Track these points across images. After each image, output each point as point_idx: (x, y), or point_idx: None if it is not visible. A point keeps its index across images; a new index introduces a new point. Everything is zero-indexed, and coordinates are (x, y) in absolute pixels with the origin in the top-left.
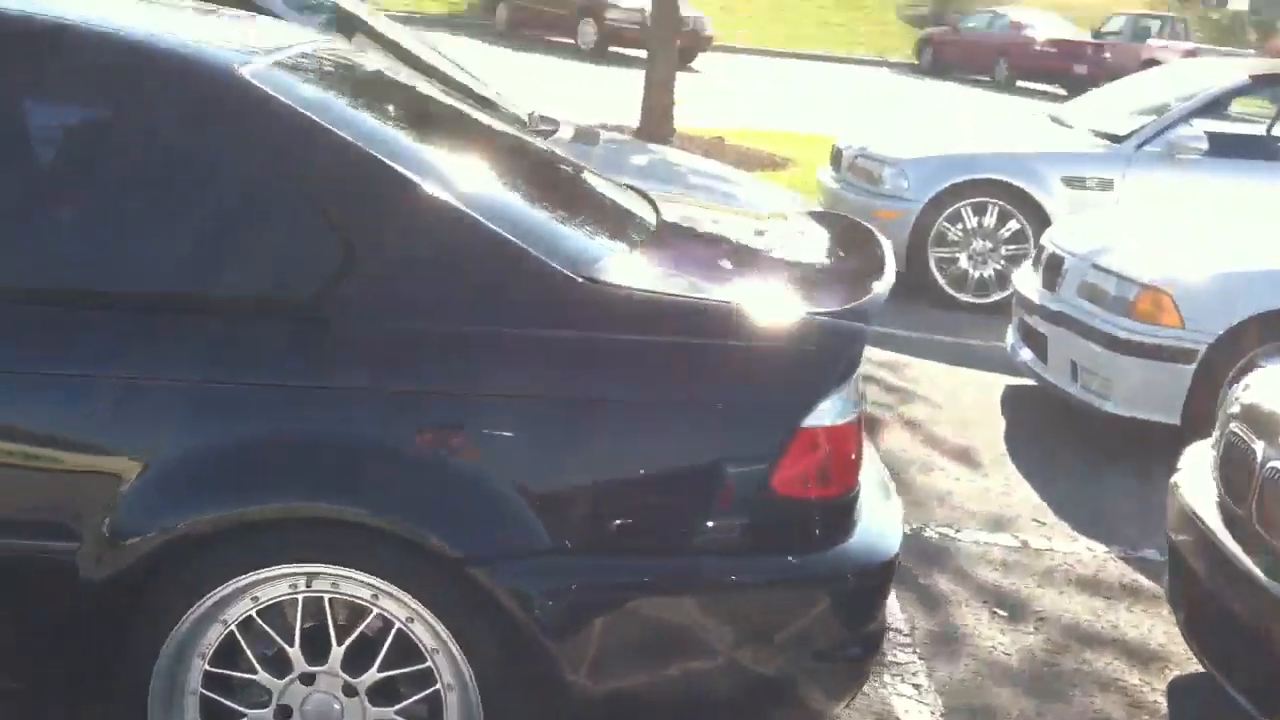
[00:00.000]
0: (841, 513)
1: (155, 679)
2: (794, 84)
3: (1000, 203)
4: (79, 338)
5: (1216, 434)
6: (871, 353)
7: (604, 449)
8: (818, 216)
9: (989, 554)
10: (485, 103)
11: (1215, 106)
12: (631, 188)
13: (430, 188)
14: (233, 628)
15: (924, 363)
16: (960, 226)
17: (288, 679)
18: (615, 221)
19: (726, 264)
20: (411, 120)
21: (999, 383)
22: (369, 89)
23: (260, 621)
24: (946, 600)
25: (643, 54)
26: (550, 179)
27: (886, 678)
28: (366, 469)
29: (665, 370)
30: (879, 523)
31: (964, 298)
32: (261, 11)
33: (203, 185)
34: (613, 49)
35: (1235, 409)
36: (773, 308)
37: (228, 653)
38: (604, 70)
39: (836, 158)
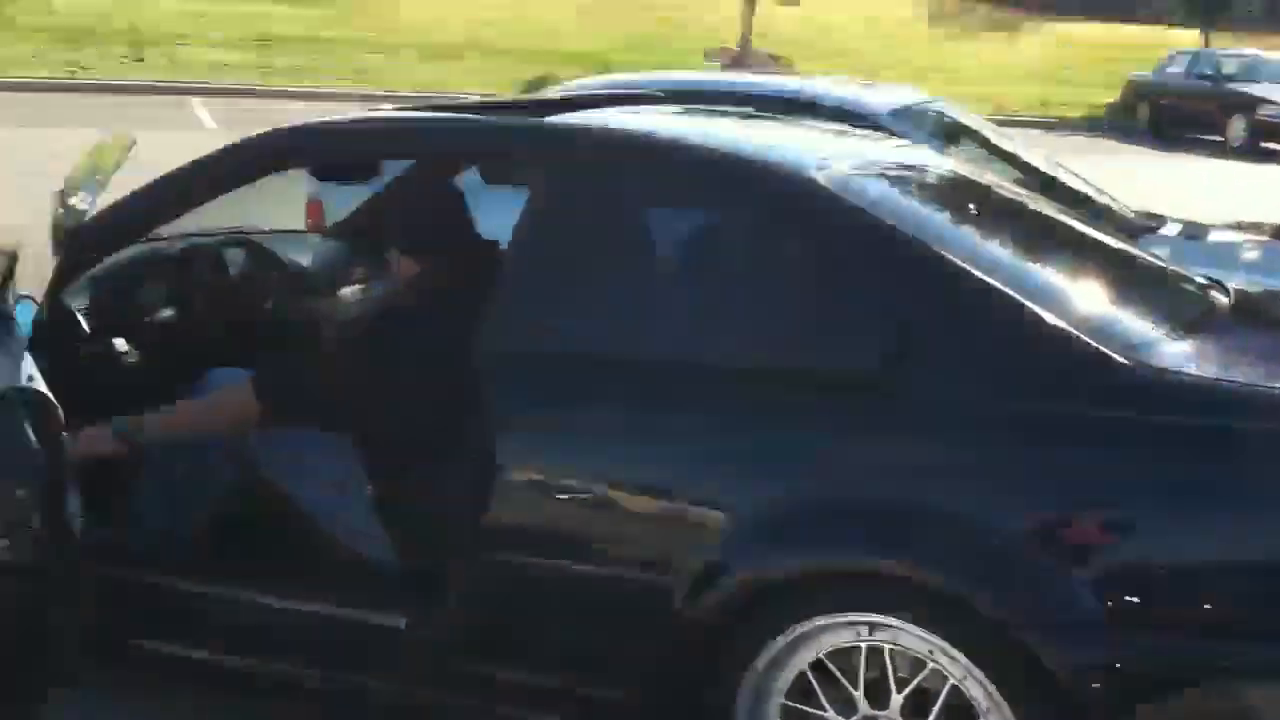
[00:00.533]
0: None
1: (739, 706)
2: None
3: None
4: (698, 405)
5: None
6: None
7: (1156, 529)
8: None
9: None
10: (1088, 203)
11: None
12: (1211, 279)
13: (987, 279)
14: (805, 668)
15: None
16: None
17: (853, 719)
18: (1179, 309)
19: None
20: (977, 219)
21: None
22: (939, 192)
23: (829, 664)
24: None
25: None
26: (1118, 271)
27: None
28: (925, 530)
29: (1227, 457)
30: None
31: None
32: (869, 126)
33: (789, 274)
34: (1265, 145)
35: None
36: None
37: (802, 690)
38: (1257, 168)
39: None
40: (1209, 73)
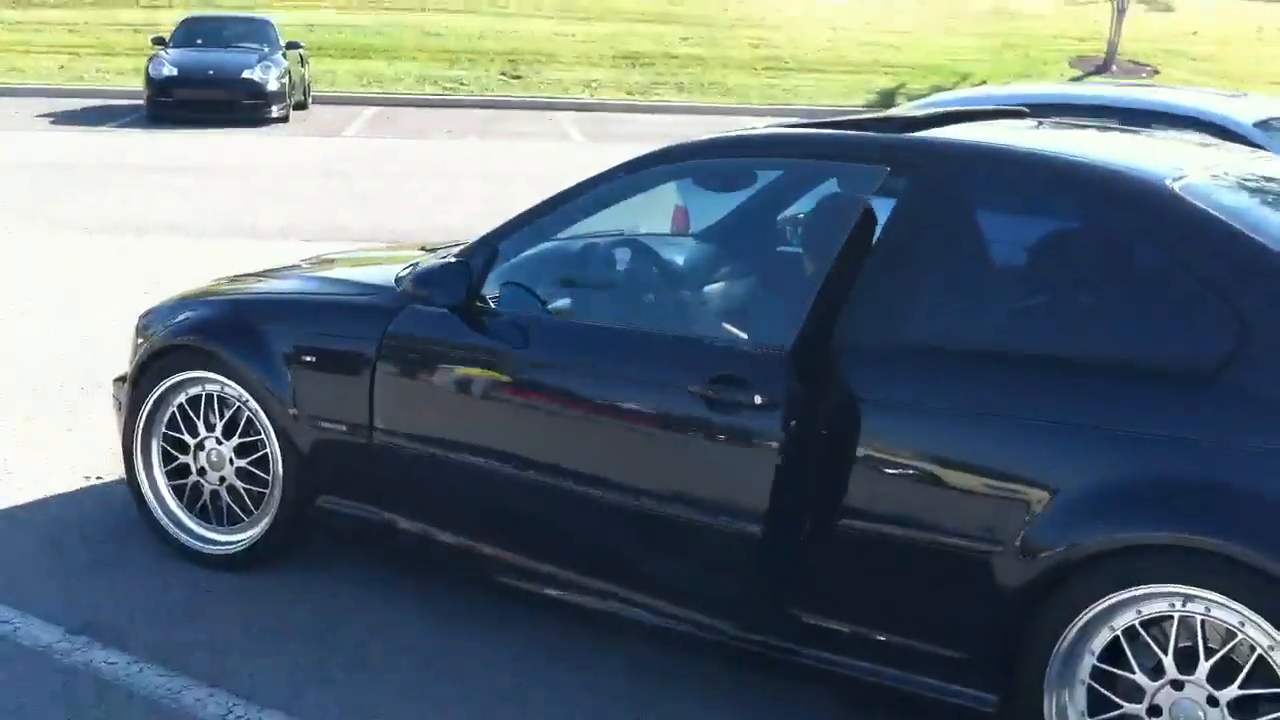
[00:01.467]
0: None
1: (1052, 663)
2: None
3: None
4: (1037, 390)
5: None
6: None
7: None
8: None
9: None
10: None
11: None
12: None
13: None
14: (1119, 633)
15: None
16: None
17: (1160, 682)
18: None
19: None
20: None
21: None
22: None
23: (1142, 631)
24: None
25: None
26: None
27: None
28: (1240, 509)
29: None
30: None
31: None
32: (1233, 139)
33: (1136, 274)
34: None
35: None
36: None
37: (1113, 653)
38: None
39: None
40: None
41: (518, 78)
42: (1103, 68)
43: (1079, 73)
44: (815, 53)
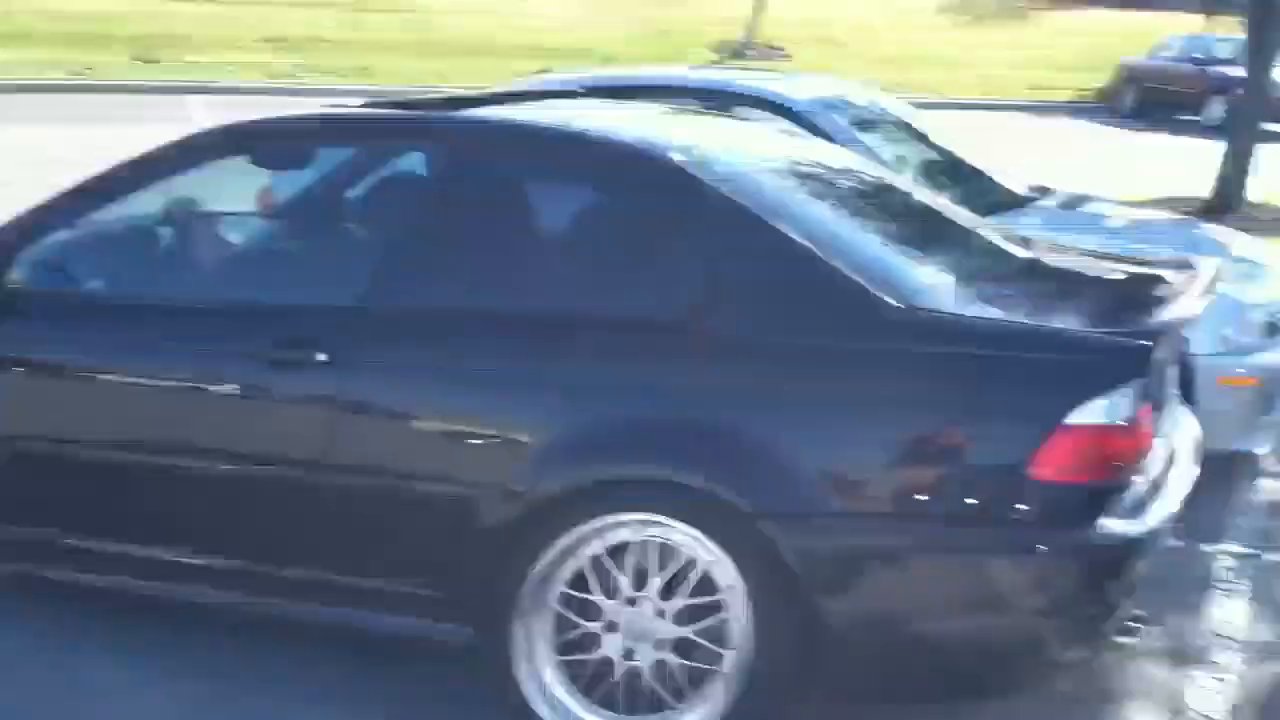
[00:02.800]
0: (1101, 497)
1: (524, 594)
2: None
3: None
4: (518, 344)
5: None
6: None
7: (890, 435)
8: (1183, 260)
9: None
10: (976, 176)
11: None
12: (1020, 240)
13: (798, 239)
14: (585, 561)
15: None
16: None
17: (618, 600)
18: (970, 263)
19: (1060, 297)
20: (821, 195)
21: None
22: (793, 172)
23: (606, 558)
24: None
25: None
26: (933, 234)
27: (1194, 672)
28: (698, 443)
29: (948, 375)
30: (1150, 504)
31: None
32: (787, 116)
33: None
34: None
35: None
36: (1059, 328)
37: (578, 580)
38: (1219, 145)
39: None
40: (1199, 56)
41: (153, 61)
42: (739, 52)
43: (717, 57)
44: (468, 36)
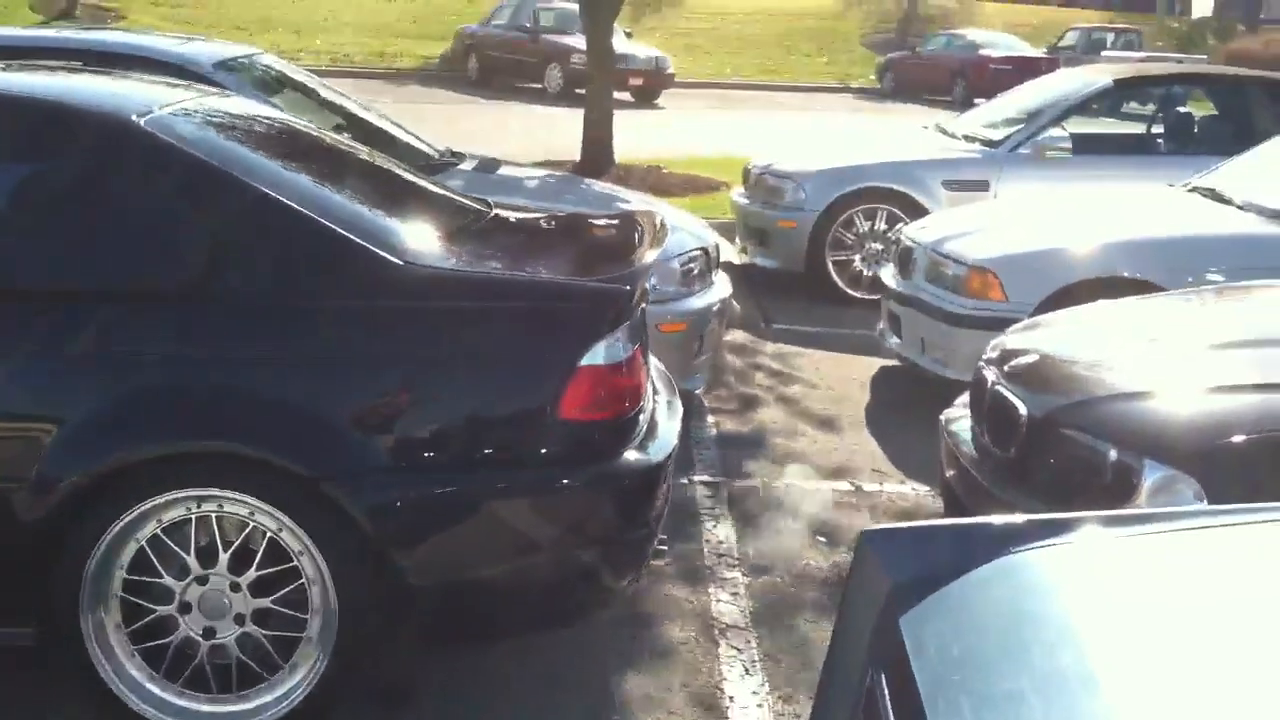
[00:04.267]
0: (620, 430)
1: (84, 585)
2: (753, 114)
3: (888, 207)
4: (27, 329)
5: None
6: (767, 345)
7: (430, 391)
8: (628, 214)
9: (826, 497)
10: (394, 142)
11: (1082, 109)
12: (479, 199)
13: (288, 201)
14: (143, 544)
15: (811, 351)
16: (854, 231)
17: (187, 580)
18: (446, 221)
19: (537, 250)
20: (285, 155)
21: (875, 365)
22: (253, 132)
23: (165, 538)
24: (778, 532)
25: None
26: (400, 193)
27: (711, 588)
28: (237, 412)
29: (470, 327)
30: (656, 436)
31: (860, 295)
32: (196, 79)
33: (114, 207)
34: (578, 90)
35: (990, 352)
36: (557, 278)
37: (143, 563)
38: (569, 111)
39: (746, 176)
40: (527, 24)
41: None
42: (65, 13)
43: (42, 18)
44: None
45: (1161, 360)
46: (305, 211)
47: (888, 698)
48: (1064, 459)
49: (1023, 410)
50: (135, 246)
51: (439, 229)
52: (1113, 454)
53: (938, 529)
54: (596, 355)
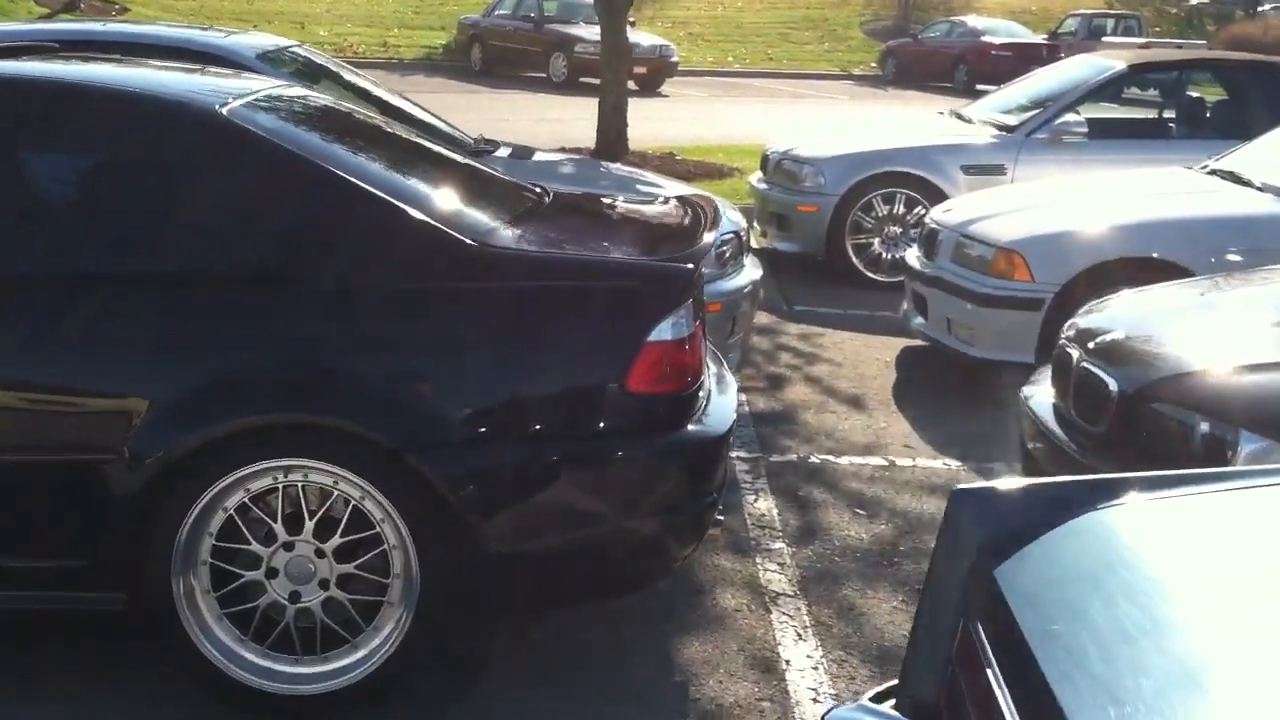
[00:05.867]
0: (684, 403)
1: (175, 553)
2: (757, 102)
3: (907, 191)
4: (125, 308)
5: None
6: (791, 327)
7: (507, 366)
8: (681, 198)
9: (861, 472)
10: (433, 130)
11: (1097, 94)
12: (535, 184)
13: (369, 188)
14: (231, 512)
15: (836, 332)
16: (873, 215)
17: (273, 547)
18: (511, 204)
19: (600, 232)
20: (354, 142)
21: (898, 345)
22: (322, 121)
23: (252, 506)
24: (818, 505)
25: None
26: (465, 178)
27: (758, 559)
28: (322, 387)
29: (542, 306)
30: (714, 409)
31: (879, 278)
32: (236, 67)
33: (204, 199)
34: (583, 80)
35: (1068, 332)
36: (625, 258)
37: (231, 531)
38: (575, 100)
39: (764, 162)
40: (531, 14)
41: None
42: (72, 5)
43: (47, 10)
44: None
45: (1239, 336)
46: (384, 196)
47: (987, 646)
48: (1156, 432)
49: (1113, 386)
50: (224, 232)
51: (507, 212)
52: (1205, 426)
53: (1026, 487)
54: (663, 332)
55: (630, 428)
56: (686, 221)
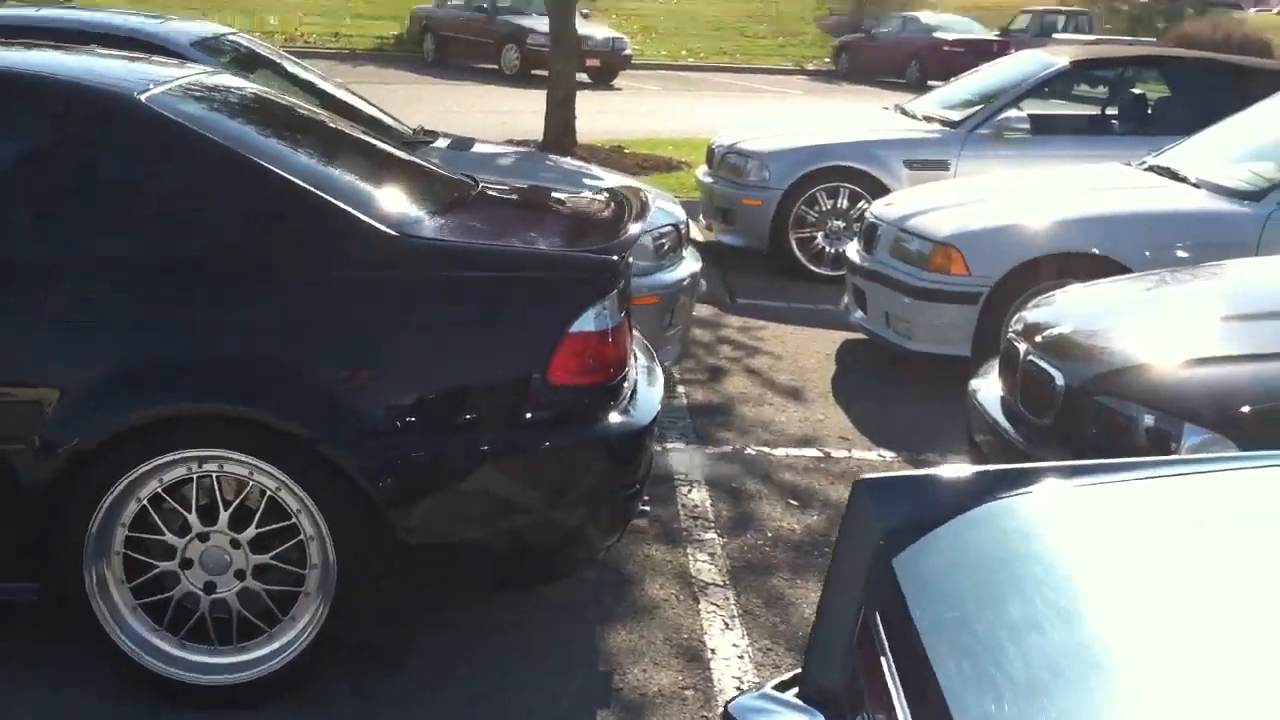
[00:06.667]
0: (608, 395)
1: (87, 542)
2: (710, 96)
3: (850, 186)
4: (34, 293)
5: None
6: (732, 319)
7: (426, 356)
8: (611, 190)
9: (796, 463)
10: (370, 120)
11: (1040, 90)
12: (466, 175)
13: (288, 176)
14: (145, 502)
15: (778, 325)
16: (817, 209)
17: (188, 538)
18: (437, 195)
19: (526, 223)
20: (283, 132)
21: (839, 338)
22: (251, 110)
23: (166, 496)
24: (751, 496)
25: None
26: (392, 168)
27: (689, 549)
28: (236, 377)
29: (463, 296)
30: (640, 401)
31: (822, 271)
32: (169, 54)
33: (117, 185)
34: (535, 72)
35: (1015, 326)
36: (548, 249)
37: (145, 521)
38: (527, 92)
39: (710, 156)
40: (484, 5)
41: None
42: None
43: None
44: None
45: (1184, 331)
46: (303, 184)
47: (884, 636)
48: (1101, 425)
49: (1059, 379)
50: (137, 218)
51: (432, 202)
52: (1150, 419)
53: (928, 477)
54: (586, 322)
55: (552, 419)
56: (614, 213)
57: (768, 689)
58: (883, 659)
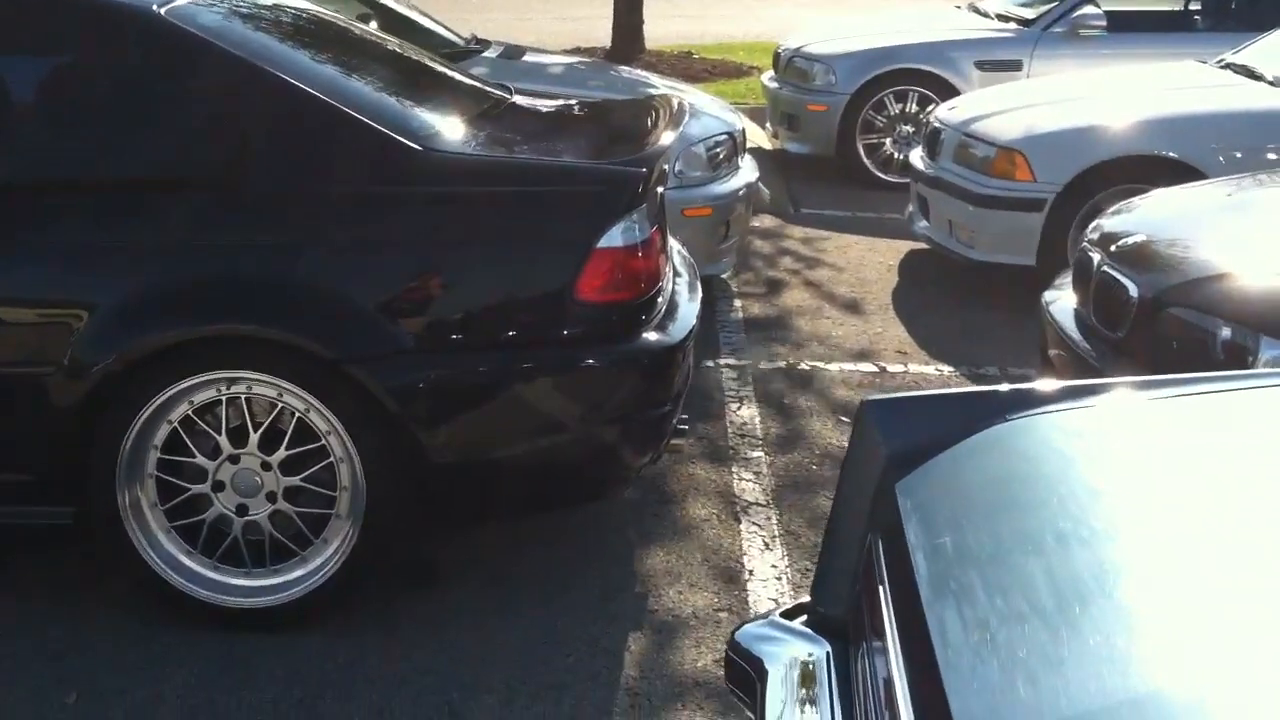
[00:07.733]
0: (638, 311)
1: (119, 466)
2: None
3: (920, 89)
4: (58, 216)
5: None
6: (795, 230)
7: (449, 274)
8: (649, 98)
9: (850, 379)
10: (415, 28)
11: None
12: (500, 85)
13: (311, 90)
14: (176, 425)
15: (841, 236)
16: (885, 114)
17: (219, 460)
18: (464, 107)
19: (555, 135)
20: (307, 43)
21: (904, 248)
22: (272, 21)
23: (197, 419)
24: (802, 413)
25: None
26: (421, 80)
27: (734, 468)
28: (260, 297)
29: (487, 211)
30: (676, 317)
31: (890, 178)
32: None
33: (140, 102)
34: None
35: (1091, 235)
36: (573, 161)
37: (176, 444)
38: None
39: (776, 61)
40: None
41: None
42: None
43: None
44: None
45: (1264, 240)
46: (326, 99)
47: (883, 561)
48: (1176, 338)
49: (1133, 290)
50: (159, 137)
51: (459, 115)
52: (1226, 332)
53: (935, 397)
54: (613, 237)
55: (580, 336)
56: (648, 123)
57: (775, 616)
58: (880, 588)
